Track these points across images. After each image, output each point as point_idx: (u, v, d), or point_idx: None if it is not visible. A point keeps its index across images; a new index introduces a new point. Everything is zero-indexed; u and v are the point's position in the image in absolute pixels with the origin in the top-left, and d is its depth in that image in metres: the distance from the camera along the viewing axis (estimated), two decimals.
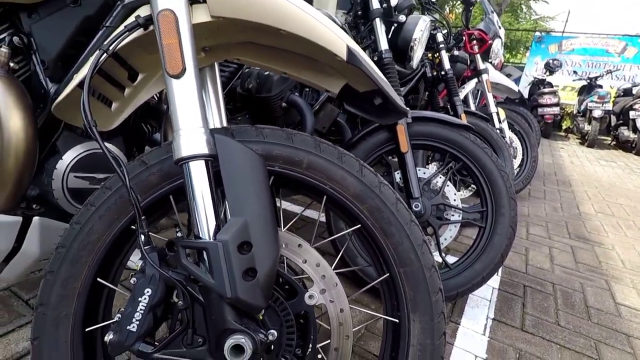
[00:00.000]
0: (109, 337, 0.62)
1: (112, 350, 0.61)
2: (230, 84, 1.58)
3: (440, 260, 1.59)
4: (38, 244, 0.83)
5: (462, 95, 2.96)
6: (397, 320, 0.77)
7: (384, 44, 1.56)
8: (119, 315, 0.63)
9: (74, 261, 0.69)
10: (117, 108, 0.87)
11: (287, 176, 0.76)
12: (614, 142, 7.60)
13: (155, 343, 0.64)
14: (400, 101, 0.85)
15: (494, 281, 1.90)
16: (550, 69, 7.26)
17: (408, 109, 0.87)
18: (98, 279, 0.72)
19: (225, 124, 0.86)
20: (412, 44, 1.76)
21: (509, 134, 3.24)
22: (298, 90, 1.85)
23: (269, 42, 0.78)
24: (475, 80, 3.03)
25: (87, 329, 0.71)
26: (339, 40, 0.68)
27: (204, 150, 0.63)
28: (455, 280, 1.51)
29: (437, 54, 2.51)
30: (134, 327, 0.61)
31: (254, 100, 1.69)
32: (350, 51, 0.68)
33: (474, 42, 2.92)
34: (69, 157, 0.88)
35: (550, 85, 7.26)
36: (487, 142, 2.48)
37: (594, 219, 3.10)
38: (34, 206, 0.89)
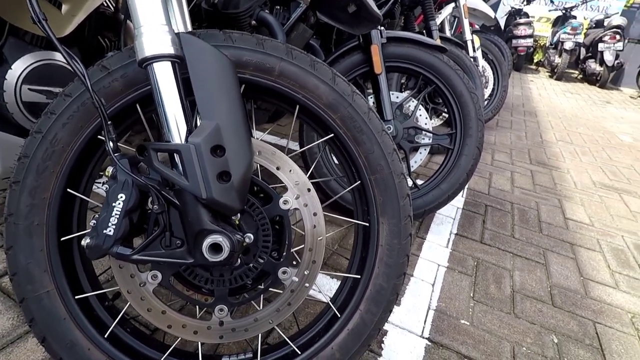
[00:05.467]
0: (85, 241, 0.62)
1: (90, 254, 0.63)
2: None
3: (410, 182, 1.66)
4: None
5: (438, 21, 2.87)
6: (367, 224, 0.82)
7: None
8: (94, 221, 0.63)
9: (39, 171, 0.67)
10: (67, 11, 0.79)
11: (259, 84, 0.74)
12: (581, 75, 7.77)
13: (135, 247, 0.65)
14: (374, 6, 0.82)
15: (459, 202, 2.03)
16: None
17: (381, 15, 0.84)
18: (68, 189, 0.71)
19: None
20: None
21: (482, 62, 3.23)
22: (268, 8, 1.74)
23: None
24: (453, 4, 2.93)
25: (62, 239, 0.72)
26: None
27: (170, 50, 0.60)
28: (423, 199, 1.59)
29: None
30: (110, 231, 0.62)
31: (220, 17, 1.57)
32: None
33: None
34: (19, 67, 0.81)
35: (527, 15, 7.14)
36: (461, 69, 2.49)
37: (554, 147, 3.26)
38: None
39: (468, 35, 2.96)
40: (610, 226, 1.99)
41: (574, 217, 2.03)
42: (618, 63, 6.76)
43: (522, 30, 6.85)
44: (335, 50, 1.64)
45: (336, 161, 1.79)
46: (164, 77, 0.60)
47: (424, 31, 2.45)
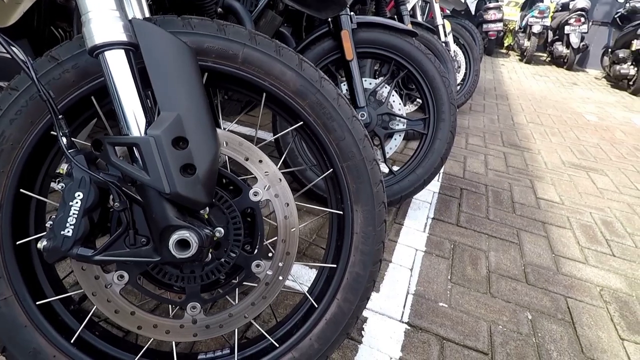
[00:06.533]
0: (42, 244, 0.59)
1: (48, 257, 0.59)
2: None
3: (386, 169, 1.67)
4: None
5: (409, 6, 2.87)
6: (341, 212, 0.81)
7: None
8: (50, 222, 0.59)
9: None
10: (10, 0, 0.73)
11: (223, 72, 0.71)
12: (549, 58, 7.98)
13: (96, 247, 0.62)
14: None
15: (435, 186, 2.05)
16: None
17: None
18: (22, 190, 0.66)
19: None
20: None
21: (453, 47, 3.26)
22: None
23: None
24: None
25: (17, 242, 0.68)
26: None
27: (122, 37, 0.56)
28: (399, 185, 1.60)
29: None
30: (68, 231, 0.59)
31: (185, 3, 1.51)
32: None
33: None
34: None
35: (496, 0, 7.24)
36: (432, 54, 2.50)
37: (526, 129, 3.35)
38: None
39: (439, 20, 2.97)
40: (579, 204, 2.06)
41: (545, 197, 2.09)
42: (583, 45, 6.98)
43: (492, 15, 6.95)
44: (305, 36, 1.60)
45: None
46: (118, 66, 0.56)
47: (395, 17, 2.44)
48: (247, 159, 0.71)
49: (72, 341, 0.73)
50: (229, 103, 1.58)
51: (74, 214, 0.59)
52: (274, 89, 0.73)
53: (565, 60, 7.28)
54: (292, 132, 0.79)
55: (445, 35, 3.05)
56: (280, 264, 0.75)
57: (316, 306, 0.81)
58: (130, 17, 0.72)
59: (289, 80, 0.72)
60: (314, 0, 0.88)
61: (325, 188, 0.84)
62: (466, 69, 3.43)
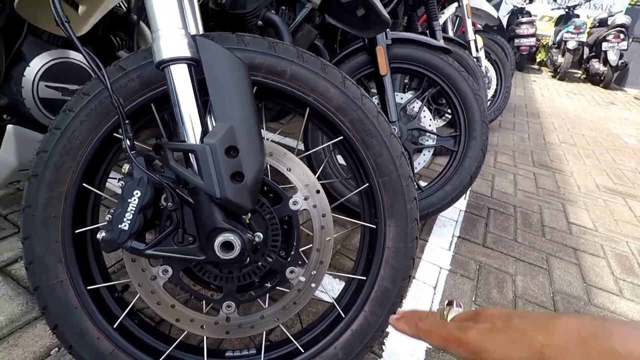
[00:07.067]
0: (101, 234, 0.64)
1: (105, 247, 0.64)
2: None
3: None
4: (15, 153, 0.81)
5: (441, 21, 2.87)
6: (374, 226, 0.83)
7: None
8: (109, 215, 0.65)
9: (57, 166, 0.69)
10: (84, 12, 0.81)
11: (270, 87, 0.75)
12: (584, 75, 7.74)
13: (147, 242, 0.67)
14: (384, 10, 0.83)
15: (461, 204, 2.04)
16: None
17: (390, 18, 0.85)
18: (84, 184, 0.73)
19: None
20: None
21: (485, 62, 3.23)
22: (275, 9, 1.75)
23: None
24: (455, 4, 2.93)
25: (77, 231, 0.74)
26: None
27: (186, 52, 0.61)
28: (427, 201, 1.61)
29: None
30: (125, 225, 0.64)
31: (227, 17, 1.58)
32: None
33: None
34: (37, 64, 0.83)
35: (529, 14, 7.11)
36: (465, 71, 2.49)
37: (558, 149, 3.27)
38: (4, 116, 0.85)
39: (471, 35, 2.95)
40: (614, 231, 2.00)
41: (578, 222, 2.04)
42: (622, 63, 6.72)
43: (524, 30, 6.82)
44: (340, 50, 1.65)
45: (342, 162, 1.81)
46: (181, 79, 0.62)
47: (427, 31, 2.46)
48: (289, 170, 0.75)
49: (114, 326, 0.79)
50: (262, 111, 1.64)
51: (131, 210, 0.64)
52: (318, 105, 0.77)
53: (602, 78, 7.05)
54: (328, 145, 0.83)
55: (477, 51, 3.02)
56: (313, 272, 0.78)
57: (343, 316, 0.84)
58: (192, 33, 0.78)
59: (333, 96, 0.76)
60: (356, 21, 0.92)
61: (358, 201, 0.87)
62: (497, 85, 3.40)
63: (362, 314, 0.82)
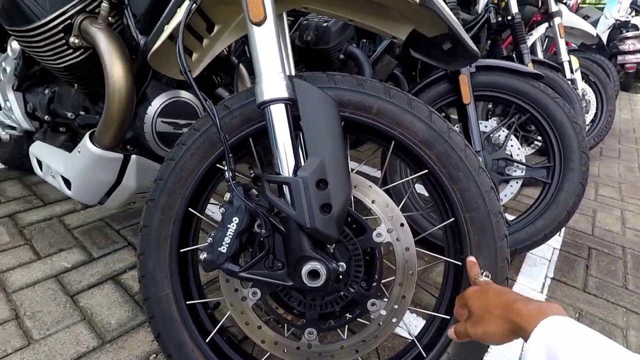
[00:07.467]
0: (203, 255, 0.71)
1: (205, 267, 0.71)
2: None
3: None
4: (135, 179, 0.95)
5: (529, 42, 2.70)
6: (459, 263, 0.80)
7: None
8: (210, 238, 0.72)
9: (170, 192, 0.80)
10: (197, 58, 0.93)
11: (357, 122, 0.79)
12: None
13: (240, 265, 0.73)
14: (472, 44, 0.83)
15: (555, 242, 1.85)
16: (636, 8, 6.33)
17: (478, 51, 0.84)
18: (189, 208, 0.82)
19: (293, 73, 0.90)
20: None
21: (582, 85, 2.95)
22: (355, 42, 1.82)
23: None
24: (546, 25, 2.73)
25: (181, 250, 0.83)
26: None
27: (284, 94, 0.67)
28: (514, 237, 1.49)
29: None
30: (224, 249, 0.70)
31: (312, 52, 1.69)
32: None
33: None
34: (157, 103, 0.97)
35: (636, 28, 6.34)
36: (560, 97, 2.31)
37: None
38: (128, 147, 1.01)
39: (564, 56, 2.71)
40: None
41: None
42: None
43: (629, 45, 6.09)
44: (420, 80, 1.65)
45: (421, 192, 1.77)
46: (279, 117, 0.67)
47: (514, 54, 2.33)
48: (373, 202, 0.77)
49: (207, 340, 0.85)
50: (347, 143, 1.69)
51: (229, 234, 0.71)
52: (403, 138, 0.78)
53: None
54: (413, 179, 0.83)
55: (572, 72, 2.78)
56: (395, 306, 0.77)
57: (424, 355, 0.81)
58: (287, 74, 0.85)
59: (418, 130, 0.77)
60: (442, 54, 0.92)
61: (442, 236, 0.85)
62: (597, 109, 3.08)
63: (445, 355, 0.79)
